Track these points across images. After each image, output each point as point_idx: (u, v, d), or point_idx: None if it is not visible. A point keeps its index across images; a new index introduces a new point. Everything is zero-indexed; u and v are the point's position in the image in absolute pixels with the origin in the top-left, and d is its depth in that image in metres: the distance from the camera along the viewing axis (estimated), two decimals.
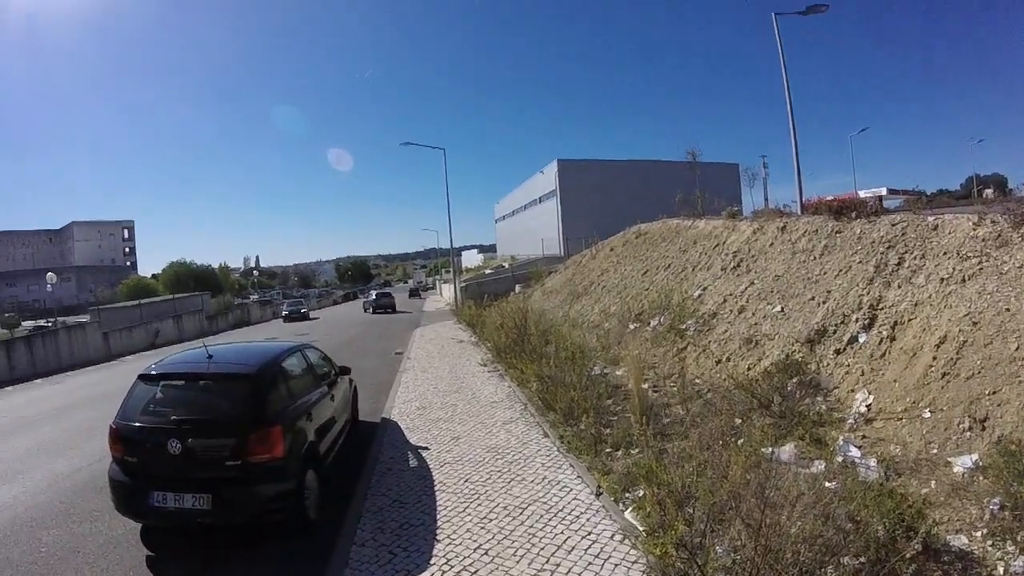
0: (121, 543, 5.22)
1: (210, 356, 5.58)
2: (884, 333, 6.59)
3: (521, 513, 5.11)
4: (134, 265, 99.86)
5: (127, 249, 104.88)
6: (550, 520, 4.91)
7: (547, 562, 4.22)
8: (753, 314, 9.29)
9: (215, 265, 77.73)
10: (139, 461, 4.95)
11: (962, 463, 4.43)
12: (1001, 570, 3.56)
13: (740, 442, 5.75)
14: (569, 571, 4.10)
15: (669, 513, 4.37)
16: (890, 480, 4.66)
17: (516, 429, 7.81)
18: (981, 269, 6.16)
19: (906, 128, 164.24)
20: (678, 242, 15.75)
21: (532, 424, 7.96)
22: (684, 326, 10.62)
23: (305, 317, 40.64)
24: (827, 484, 4.58)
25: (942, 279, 6.53)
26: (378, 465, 6.73)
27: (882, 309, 7.00)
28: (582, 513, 5.01)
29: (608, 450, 6.40)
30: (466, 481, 5.99)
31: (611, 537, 4.53)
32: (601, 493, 5.36)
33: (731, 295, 10.46)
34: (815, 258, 9.27)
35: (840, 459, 5.10)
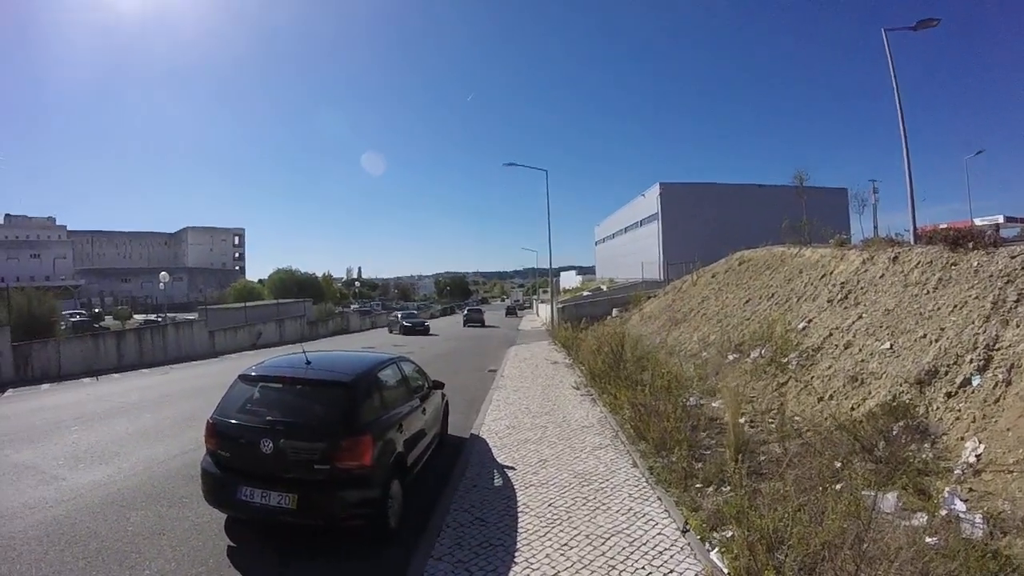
0: (205, 530, 5.46)
1: (308, 362, 5.81)
2: (1000, 376, 6.23)
3: (603, 543, 5.09)
4: (242, 270, 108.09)
5: (237, 254, 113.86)
6: (632, 553, 4.89)
7: None
8: (860, 350, 8.96)
9: (319, 274, 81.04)
10: (231, 456, 5.19)
11: None
12: None
13: (839, 487, 5.64)
14: None
15: (758, 558, 4.25)
16: (995, 539, 4.48)
17: (605, 456, 7.87)
18: None
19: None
20: (783, 270, 15.29)
21: (622, 452, 8.01)
22: (786, 359, 10.37)
23: (426, 331, 37.94)
24: (928, 539, 4.44)
25: None
26: (463, 481, 6.84)
27: (998, 350, 6.60)
28: (666, 549, 4.96)
29: (698, 485, 6.41)
30: (550, 505, 6.02)
31: None
32: (688, 530, 5.30)
33: (837, 329, 10.11)
34: (928, 292, 8.82)
35: (944, 512, 4.92)
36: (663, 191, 50.23)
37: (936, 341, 7.61)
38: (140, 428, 10.13)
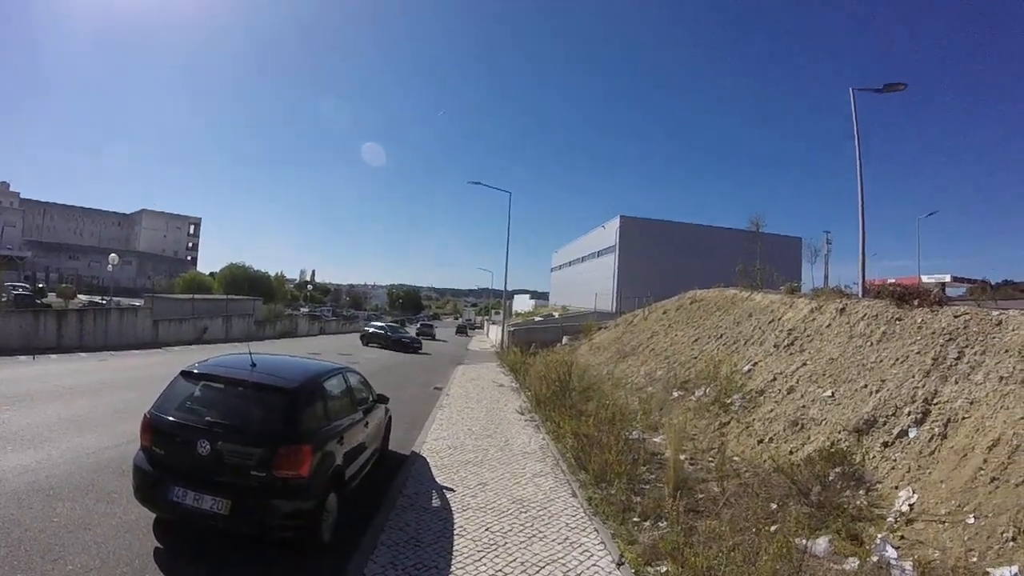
0: (133, 529, 5.27)
1: (254, 364, 5.64)
2: (936, 430, 6.35)
3: (538, 572, 5.03)
4: (195, 260, 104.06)
5: (191, 244, 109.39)
6: None
7: None
8: (802, 396, 9.07)
9: (272, 273, 78.70)
10: (166, 454, 5.01)
11: (1001, 574, 4.22)
12: None
13: (774, 528, 5.62)
14: None
15: None
16: None
17: (545, 484, 7.75)
18: None
19: (975, 213, 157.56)
20: (733, 312, 15.54)
21: (562, 481, 7.90)
22: (729, 400, 10.43)
23: (417, 351, 34.94)
24: None
25: (1001, 378, 6.30)
26: (401, 499, 6.72)
27: (936, 404, 6.75)
28: None
29: (636, 519, 6.31)
30: (487, 530, 5.94)
31: None
32: (623, 563, 5.25)
33: (781, 373, 10.24)
34: (872, 344, 9.03)
35: (875, 558, 4.92)
36: (623, 224, 51.17)
37: (876, 392, 7.75)
38: (73, 414, 9.67)
